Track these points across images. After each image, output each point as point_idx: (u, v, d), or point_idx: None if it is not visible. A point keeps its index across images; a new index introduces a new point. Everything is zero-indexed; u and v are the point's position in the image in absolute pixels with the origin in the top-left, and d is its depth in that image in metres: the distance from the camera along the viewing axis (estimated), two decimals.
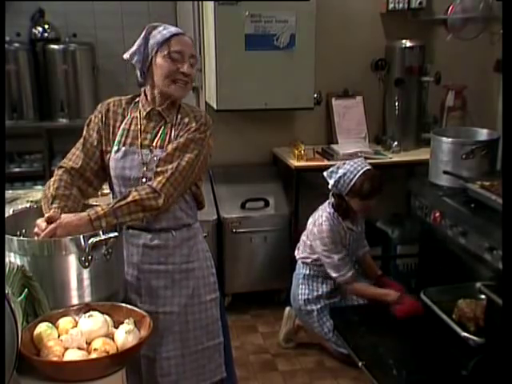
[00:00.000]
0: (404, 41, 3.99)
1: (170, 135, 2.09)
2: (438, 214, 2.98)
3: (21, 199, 2.80)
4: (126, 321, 1.63)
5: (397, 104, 3.99)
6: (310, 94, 3.82)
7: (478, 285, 2.57)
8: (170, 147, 2.05)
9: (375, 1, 4.08)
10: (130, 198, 1.92)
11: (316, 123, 4.19)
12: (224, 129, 3.92)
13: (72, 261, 1.80)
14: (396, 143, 4.01)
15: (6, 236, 1.81)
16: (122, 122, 2.13)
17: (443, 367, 2.89)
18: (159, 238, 2.13)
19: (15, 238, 1.81)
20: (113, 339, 1.60)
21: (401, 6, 4.02)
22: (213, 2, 3.59)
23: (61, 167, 2.14)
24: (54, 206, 1.96)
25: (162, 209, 1.99)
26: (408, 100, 4.05)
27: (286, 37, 3.70)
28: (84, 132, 2.17)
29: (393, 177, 4.14)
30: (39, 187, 4.33)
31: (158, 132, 2.11)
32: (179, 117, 2.11)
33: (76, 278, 1.81)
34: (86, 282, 1.83)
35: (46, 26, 4.47)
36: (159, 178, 1.99)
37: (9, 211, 2.54)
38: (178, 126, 2.09)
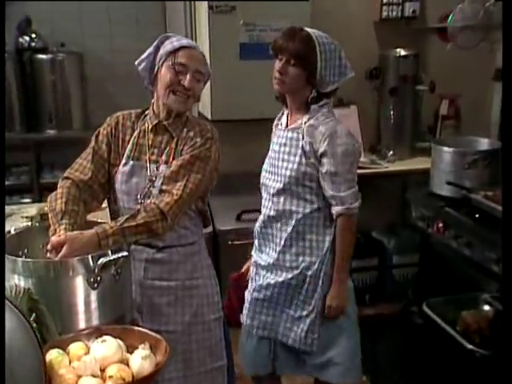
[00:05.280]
0: (398, 49, 3.98)
1: (175, 150, 2.03)
2: (440, 225, 2.94)
3: (15, 215, 2.71)
4: (142, 346, 1.55)
5: (392, 113, 3.97)
6: None
7: (485, 296, 2.54)
8: (174, 164, 1.99)
9: (369, 9, 4.06)
10: (138, 219, 1.85)
11: None
12: (219, 139, 3.85)
13: (79, 282, 1.72)
14: (391, 152, 3.99)
15: (10, 257, 1.73)
16: (131, 136, 2.07)
17: (450, 381, 2.86)
18: (162, 252, 2.06)
19: (20, 259, 1.73)
20: (127, 365, 1.53)
21: (394, 14, 4.01)
22: (207, 11, 3.53)
23: (67, 178, 2.06)
24: (63, 221, 1.89)
25: (167, 231, 1.93)
26: (403, 109, 4.03)
27: None
28: (92, 143, 2.11)
29: (387, 186, 4.12)
30: (27, 200, 4.26)
31: (165, 147, 2.05)
32: (185, 130, 2.05)
33: (83, 300, 1.74)
34: (94, 305, 1.76)
35: (33, 35, 4.35)
36: (167, 200, 1.92)
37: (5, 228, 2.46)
38: (183, 140, 2.04)
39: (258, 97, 3.69)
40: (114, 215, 2.12)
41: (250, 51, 3.64)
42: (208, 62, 3.56)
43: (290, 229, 2.33)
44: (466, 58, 4.05)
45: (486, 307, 3.12)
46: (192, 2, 3.91)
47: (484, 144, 3.11)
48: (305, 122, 2.29)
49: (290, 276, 2.35)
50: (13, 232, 1.94)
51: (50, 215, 1.94)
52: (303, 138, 2.27)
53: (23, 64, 4.34)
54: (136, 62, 2.13)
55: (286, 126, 2.39)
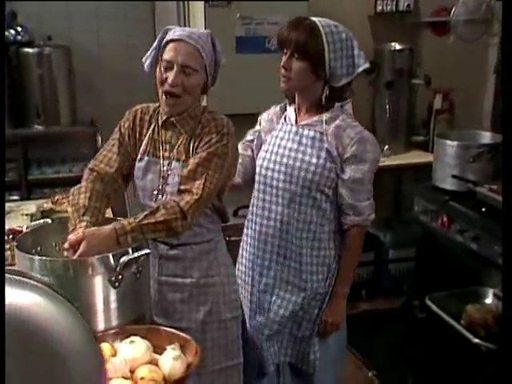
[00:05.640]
0: (393, 43, 3.96)
1: (189, 147, 1.95)
2: (445, 219, 2.92)
3: (14, 212, 2.62)
4: (172, 346, 1.50)
5: (387, 107, 3.95)
6: None
7: (495, 290, 2.53)
8: (191, 162, 1.91)
9: (363, 4, 4.04)
10: (158, 217, 1.78)
11: None
12: None
13: (99, 281, 1.66)
14: (387, 147, 3.97)
15: (26, 255, 1.66)
16: (147, 130, 2.00)
17: (457, 375, 2.85)
18: (177, 249, 2.00)
19: (37, 258, 1.66)
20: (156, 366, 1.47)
21: (389, 8, 4.00)
22: (202, 4, 3.47)
23: (92, 170, 1.98)
24: (85, 218, 1.81)
25: (185, 230, 1.87)
26: (398, 103, 4.02)
27: None
28: (117, 135, 2.04)
29: (383, 181, 4.10)
30: (15, 197, 4.14)
31: (175, 143, 1.98)
32: (199, 126, 1.96)
33: (103, 299, 1.68)
34: (114, 305, 1.70)
35: (19, 29, 4.24)
36: (187, 198, 1.84)
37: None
38: (198, 136, 1.94)
39: (254, 90, 3.64)
40: (134, 210, 2.06)
41: (247, 45, 3.59)
42: None
43: (299, 242, 2.17)
44: (459, 52, 4.06)
45: (490, 301, 3.14)
46: None
47: (487, 137, 3.10)
48: (325, 121, 2.11)
49: (299, 300, 2.20)
50: (25, 230, 1.86)
51: (71, 210, 1.86)
52: (327, 140, 2.10)
53: (9, 58, 4.21)
54: (143, 59, 2.02)
55: (296, 122, 2.20)
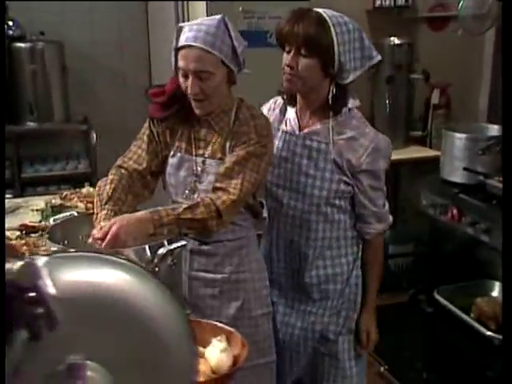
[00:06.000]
0: (392, 38, 3.95)
1: (225, 144, 1.89)
2: (455, 212, 2.92)
3: (24, 208, 2.55)
4: (218, 338, 1.46)
5: (387, 102, 3.95)
6: None
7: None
8: (228, 160, 1.85)
9: None
10: (196, 213, 1.73)
11: None
12: None
13: None
14: None
15: (62, 247, 1.60)
16: (181, 125, 1.95)
17: (469, 368, 2.85)
18: (209, 245, 1.95)
19: (74, 250, 1.60)
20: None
21: (387, 3, 3.99)
22: None
23: (120, 167, 1.94)
24: (106, 207, 1.77)
25: (220, 229, 1.83)
26: (397, 98, 4.01)
27: None
28: (147, 131, 1.98)
29: None
30: (8, 196, 4.04)
31: (210, 140, 1.92)
32: (236, 124, 1.89)
33: None
34: None
35: (11, 23, 4.15)
36: (224, 198, 1.78)
37: (12, 221, 2.33)
38: (236, 134, 1.88)
39: (256, 85, 3.60)
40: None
41: (249, 39, 3.48)
42: None
43: (311, 258, 2.03)
44: (455, 47, 4.08)
45: (496, 294, 3.15)
46: None
47: (494, 130, 3.11)
48: (332, 128, 1.92)
49: (321, 328, 2.08)
50: (52, 222, 1.80)
51: (95, 200, 1.83)
52: (334, 151, 1.92)
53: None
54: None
55: (300, 129, 2.00)
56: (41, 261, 0.75)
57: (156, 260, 1.59)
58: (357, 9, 4.04)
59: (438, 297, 3.10)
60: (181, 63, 1.81)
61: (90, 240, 1.63)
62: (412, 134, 4.10)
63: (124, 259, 0.89)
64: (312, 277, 2.05)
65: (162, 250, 1.59)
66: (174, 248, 1.62)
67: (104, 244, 1.59)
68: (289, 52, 1.89)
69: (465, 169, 2.89)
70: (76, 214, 1.91)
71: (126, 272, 0.84)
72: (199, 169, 1.90)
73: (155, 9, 4.53)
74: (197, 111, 1.88)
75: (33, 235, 2.26)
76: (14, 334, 0.72)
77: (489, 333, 2.78)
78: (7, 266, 0.71)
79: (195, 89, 1.79)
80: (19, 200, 2.65)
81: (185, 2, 3.80)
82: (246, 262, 1.99)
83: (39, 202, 2.59)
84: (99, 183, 1.89)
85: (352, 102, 1.94)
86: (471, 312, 2.97)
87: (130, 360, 0.80)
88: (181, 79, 1.83)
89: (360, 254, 2.11)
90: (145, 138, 1.97)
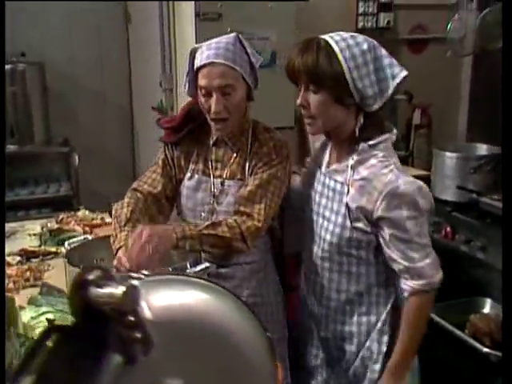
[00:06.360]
0: None
1: (244, 165, 1.89)
2: (448, 230, 2.96)
3: (20, 232, 2.50)
4: None
5: None
6: (291, 113, 3.72)
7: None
8: (251, 183, 1.84)
9: (346, 20, 4.08)
10: (219, 232, 1.73)
11: (296, 142, 4.10)
12: None
13: None
14: None
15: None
16: (196, 148, 1.94)
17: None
18: (227, 268, 1.93)
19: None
20: None
21: (369, 24, 4.06)
22: (193, 18, 3.43)
23: (135, 190, 1.92)
24: (126, 228, 1.75)
25: (242, 252, 1.82)
26: None
27: (267, 54, 3.59)
28: (162, 156, 1.98)
29: None
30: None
31: (228, 161, 1.92)
32: (256, 145, 1.90)
33: None
34: None
35: None
36: (249, 223, 1.78)
37: (11, 245, 2.27)
38: (256, 155, 1.89)
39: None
40: None
41: None
42: None
43: (334, 315, 1.86)
44: (435, 68, 4.16)
45: (488, 310, 3.18)
46: (171, 7, 3.77)
47: (482, 149, 3.18)
48: (351, 166, 1.71)
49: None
50: (68, 247, 1.76)
51: (113, 222, 1.82)
52: (348, 193, 1.71)
53: None
54: (183, 87, 1.95)
55: (328, 165, 1.83)
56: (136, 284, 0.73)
57: None
58: (340, 30, 4.09)
59: (431, 314, 3.11)
60: (203, 82, 1.80)
61: (115, 263, 1.60)
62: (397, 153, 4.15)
63: (206, 280, 0.87)
64: (328, 330, 1.89)
65: (188, 271, 1.57)
66: (199, 271, 1.60)
67: (135, 252, 1.56)
68: (300, 89, 1.73)
69: (458, 187, 2.94)
70: (90, 238, 1.86)
71: (212, 294, 0.83)
72: (217, 190, 1.89)
73: (136, 28, 4.52)
74: (217, 132, 1.88)
75: (33, 260, 2.21)
76: (110, 358, 0.69)
77: (486, 349, 2.79)
78: (110, 289, 0.68)
79: (219, 106, 1.79)
80: (14, 224, 2.58)
81: (171, 23, 3.80)
82: (263, 285, 1.97)
83: (35, 227, 2.54)
84: (115, 206, 1.87)
85: (386, 136, 1.74)
86: (466, 329, 2.99)
87: (217, 377, 0.78)
88: (202, 99, 1.83)
89: (387, 327, 1.85)
90: (160, 162, 1.98)
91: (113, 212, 1.86)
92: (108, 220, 2.67)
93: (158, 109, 3.97)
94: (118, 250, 1.68)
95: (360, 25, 4.04)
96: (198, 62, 1.83)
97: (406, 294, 1.74)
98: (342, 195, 1.72)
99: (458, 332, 2.96)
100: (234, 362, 0.79)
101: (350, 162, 1.71)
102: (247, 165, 1.88)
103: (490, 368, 2.81)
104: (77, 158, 4.16)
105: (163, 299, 0.76)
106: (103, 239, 1.84)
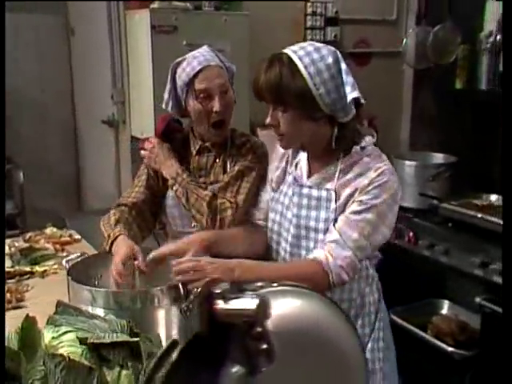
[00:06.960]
0: None
1: (226, 168, 1.95)
2: (411, 235, 3.06)
3: None
4: None
5: None
6: (246, 124, 3.74)
7: (478, 299, 2.67)
8: (227, 176, 1.92)
9: (295, 33, 4.15)
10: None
11: None
12: None
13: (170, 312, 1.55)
14: None
15: (92, 288, 1.52)
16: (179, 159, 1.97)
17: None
18: None
19: (103, 290, 1.53)
20: None
21: (317, 37, 4.14)
22: (148, 31, 3.40)
23: (119, 205, 1.95)
24: (117, 228, 1.80)
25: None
26: None
27: None
28: (145, 170, 2.01)
29: None
30: None
31: (210, 168, 1.97)
32: (234, 148, 1.97)
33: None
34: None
35: None
36: (226, 206, 1.88)
37: None
38: (235, 157, 1.95)
39: None
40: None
41: None
42: (151, 82, 3.49)
43: None
44: (380, 81, 4.30)
45: (446, 311, 3.31)
46: (122, 20, 3.72)
47: (439, 158, 3.32)
48: (339, 172, 1.67)
49: None
50: (65, 264, 1.71)
51: (103, 229, 1.85)
52: (337, 198, 1.67)
53: None
54: (163, 106, 1.99)
55: (308, 175, 1.75)
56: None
57: (191, 297, 1.54)
58: (289, 42, 4.16)
59: (393, 317, 3.20)
60: (203, 85, 1.84)
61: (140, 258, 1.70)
62: None
63: (307, 289, 0.88)
64: None
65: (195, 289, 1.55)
66: None
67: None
68: (269, 108, 1.64)
69: (421, 194, 3.05)
70: (87, 254, 1.82)
71: (319, 303, 0.83)
72: None
73: (80, 41, 4.43)
74: (215, 138, 1.93)
75: (9, 281, 2.12)
76: (232, 369, 0.69)
77: (450, 348, 2.91)
78: (242, 302, 0.68)
79: (223, 105, 1.86)
80: None
81: (122, 35, 3.74)
82: None
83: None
84: (102, 219, 1.91)
85: (368, 140, 1.72)
86: (428, 330, 3.10)
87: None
88: (200, 105, 1.86)
89: (381, 332, 1.88)
90: (143, 176, 2.01)
91: (100, 224, 1.88)
92: (77, 236, 2.60)
93: (108, 122, 3.91)
94: (112, 243, 1.75)
95: (308, 38, 4.11)
96: (189, 71, 1.86)
97: (313, 253, 1.64)
98: (330, 201, 1.66)
99: (422, 333, 3.07)
100: (340, 368, 0.80)
101: (338, 167, 1.67)
102: (228, 167, 1.94)
103: (455, 366, 2.92)
104: (21, 174, 4.02)
105: (280, 310, 0.75)
106: (96, 256, 1.84)
